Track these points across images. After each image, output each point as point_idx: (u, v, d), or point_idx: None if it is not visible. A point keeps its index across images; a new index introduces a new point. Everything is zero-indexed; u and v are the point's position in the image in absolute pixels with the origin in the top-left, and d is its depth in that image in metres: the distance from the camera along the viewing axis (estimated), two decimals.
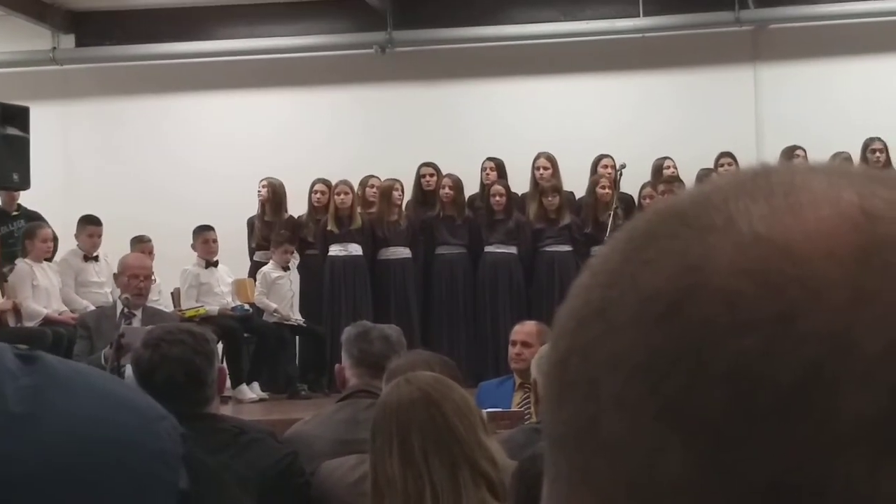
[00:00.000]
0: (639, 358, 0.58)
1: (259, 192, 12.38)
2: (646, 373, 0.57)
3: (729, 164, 12.21)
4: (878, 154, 12.00)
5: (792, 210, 0.59)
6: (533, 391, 5.00)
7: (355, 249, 11.97)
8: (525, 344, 6.87)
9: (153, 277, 9.95)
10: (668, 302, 0.58)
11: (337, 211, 12.01)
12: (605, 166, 12.36)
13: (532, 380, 4.91)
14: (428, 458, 3.06)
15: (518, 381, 7.11)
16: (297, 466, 3.95)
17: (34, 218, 11.83)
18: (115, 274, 9.06)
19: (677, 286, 0.58)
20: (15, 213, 11.88)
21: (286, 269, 11.54)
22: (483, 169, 12.50)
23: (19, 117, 11.71)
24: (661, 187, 11.54)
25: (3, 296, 10.67)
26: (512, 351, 7.00)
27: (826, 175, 0.61)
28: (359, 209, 12.18)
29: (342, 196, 12.03)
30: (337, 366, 4.99)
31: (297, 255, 11.87)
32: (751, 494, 0.55)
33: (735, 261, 0.57)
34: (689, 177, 12.01)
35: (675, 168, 12.36)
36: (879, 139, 12.05)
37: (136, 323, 8.40)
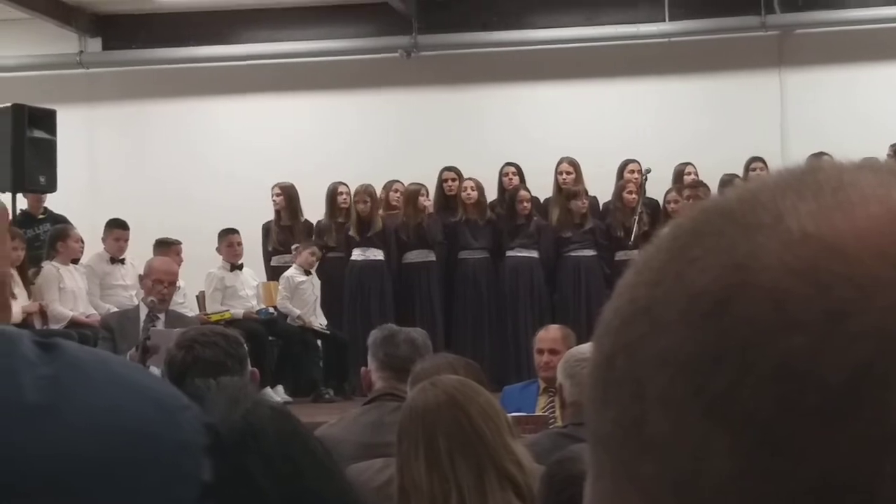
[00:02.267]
0: (685, 356, 0.57)
1: (273, 198, 12.36)
2: (692, 371, 0.57)
3: (761, 169, 12.15)
4: None
5: (841, 208, 0.58)
6: (559, 395, 5.00)
7: (376, 254, 11.98)
8: (553, 352, 6.84)
9: (178, 283, 9.94)
10: (714, 300, 0.57)
11: (358, 217, 12.02)
12: (632, 171, 12.34)
13: (558, 384, 4.91)
14: (454, 461, 3.05)
15: (542, 385, 7.10)
16: None
17: (60, 221, 11.86)
18: (140, 275, 9.06)
19: (724, 284, 0.57)
20: (41, 216, 11.92)
21: (308, 273, 11.54)
22: (504, 174, 12.49)
23: (46, 120, 11.77)
24: (686, 192, 11.51)
25: (29, 298, 10.71)
26: (540, 360, 6.96)
27: (874, 173, 0.60)
28: (381, 212, 12.21)
29: (361, 205, 12.04)
30: (363, 369, 5.00)
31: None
32: (798, 494, 0.55)
33: (783, 259, 0.57)
34: (713, 182, 11.98)
35: (696, 173, 12.32)
36: None
37: (159, 326, 8.40)
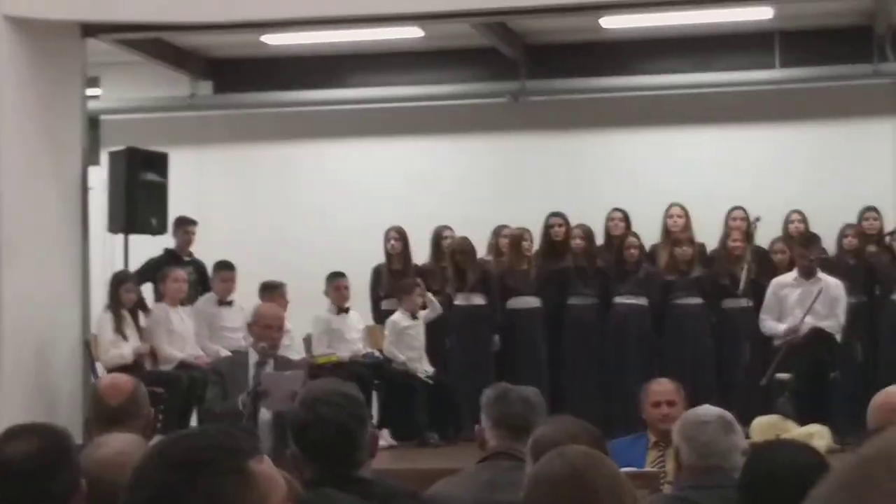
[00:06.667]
0: None
1: (392, 242, 12.35)
2: None
3: (874, 219, 12.00)
4: None
5: None
6: (674, 455, 4.94)
7: (478, 300, 11.96)
8: (670, 403, 6.79)
9: (287, 327, 9.99)
10: None
11: (456, 266, 11.99)
12: (735, 218, 12.20)
13: (674, 446, 4.85)
14: None
15: (653, 439, 7.01)
16: None
17: (201, 268, 11.98)
18: (248, 323, 9.14)
19: None
20: (186, 258, 12.05)
21: (415, 317, 11.52)
22: (610, 219, 12.43)
23: (158, 163, 11.97)
24: (797, 252, 11.26)
25: (140, 339, 10.86)
26: (658, 412, 6.88)
27: None
28: (490, 257, 12.21)
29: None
30: (476, 427, 4.98)
31: (433, 300, 11.78)
32: None
33: None
34: (825, 230, 11.81)
35: (805, 221, 12.14)
36: None
37: (268, 370, 8.44)
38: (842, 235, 11.94)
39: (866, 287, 11.76)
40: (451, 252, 12.04)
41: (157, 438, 2.26)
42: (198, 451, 1.97)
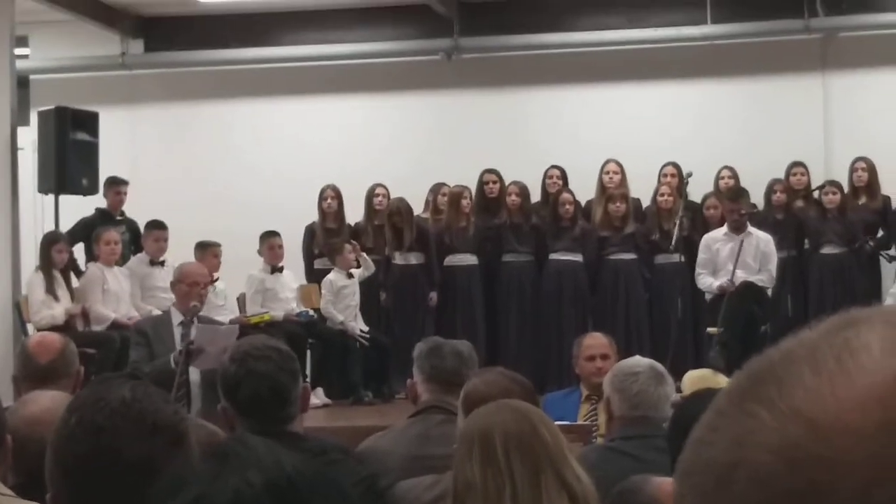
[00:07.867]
0: None
1: (328, 201, 12.31)
2: None
3: (801, 174, 12.11)
4: None
5: (833, 381, 0.61)
6: (605, 407, 4.97)
7: (416, 258, 11.98)
8: (604, 357, 6.79)
9: (219, 285, 9.90)
10: (717, 476, 0.63)
11: (393, 226, 11.98)
12: (666, 174, 12.28)
13: (605, 397, 4.88)
14: (510, 458, 2.96)
15: (585, 392, 7.04)
16: (377, 489, 3.95)
17: (133, 227, 11.85)
18: (172, 283, 8.97)
19: (725, 461, 0.63)
20: (119, 218, 11.92)
21: (350, 276, 11.50)
22: (549, 177, 12.46)
23: (89, 122, 11.86)
24: (728, 205, 11.27)
25: (72, 300, 10.75)
26: (591, 366, 6.88)
27: (893, 332, 0.63)
28: (426, 216, 12.21)
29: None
30: (409, 381, 5.00)
31: (367, 258, 11.75)
32: None
33: (771, 438, 0.62)
34: (755, 186, 11.90)
35: (736, 177, 12.21)
36: None
37: (193, 330, 8.28)
38: (770, 191, 12.04)
39: (796, 241, 11.89)
40: (388, 213, 12.02)
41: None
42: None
